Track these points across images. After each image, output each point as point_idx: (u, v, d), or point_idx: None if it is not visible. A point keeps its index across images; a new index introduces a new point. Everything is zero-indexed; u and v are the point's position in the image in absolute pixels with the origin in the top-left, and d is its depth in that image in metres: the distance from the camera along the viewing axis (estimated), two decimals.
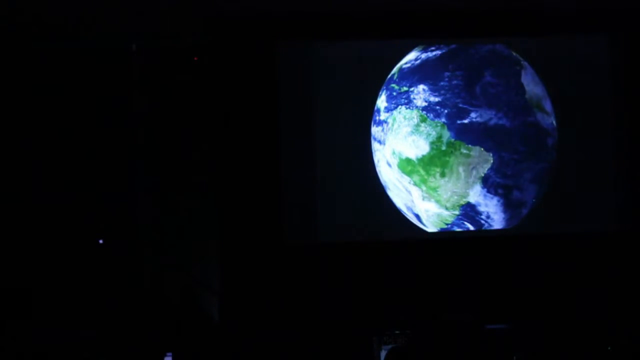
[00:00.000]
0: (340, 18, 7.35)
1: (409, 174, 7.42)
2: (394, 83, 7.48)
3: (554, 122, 7.52)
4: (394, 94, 7.47)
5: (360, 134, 7.43)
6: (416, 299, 7.23)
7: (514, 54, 7.53)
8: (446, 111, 7.40)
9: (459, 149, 7.38)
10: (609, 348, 6.32)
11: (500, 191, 7.43)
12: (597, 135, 7.56)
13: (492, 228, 7.47)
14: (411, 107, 7.43)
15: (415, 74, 7.47)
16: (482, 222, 7.45)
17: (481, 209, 7.43)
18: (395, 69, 7.48)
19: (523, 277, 7.36)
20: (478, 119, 7.39)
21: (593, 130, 7.55)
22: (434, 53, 7.50)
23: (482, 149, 7.39)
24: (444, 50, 7.49)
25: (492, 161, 7.39)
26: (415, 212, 7.46)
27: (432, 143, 7.39)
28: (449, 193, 7.41)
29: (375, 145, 7.45)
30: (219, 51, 7.39)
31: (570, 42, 7.55)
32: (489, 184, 7.41)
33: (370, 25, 7.39)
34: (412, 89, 7.44)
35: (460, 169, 7.39)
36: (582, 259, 7.41)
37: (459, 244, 7.44)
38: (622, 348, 6.28)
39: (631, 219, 7.53)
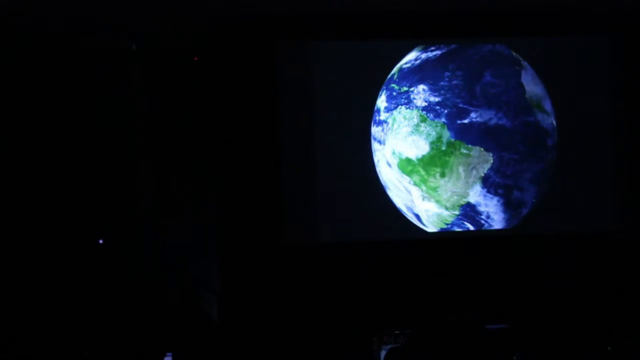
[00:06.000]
0: (340, 18, 7.35)
1: (409, 174, 7.42)
2: (394, 83, 7.48)
3: (554, 122, 7.52)
4: (394, 94, 7.47)
5: (360, 134, 7.43)
6: (416, 299, 7.23)
7: (514, 54, 7.54)
8: (446, 111, 7.40)
9: (459, 149, 7.38)
10: (609, 348, 6.32)
11: (500, 191, 7.43)
12: (597, 135, 7.56)
13: (492, 228, 7.47)
14: (411, 107, 7.43)
15: (415, 74, 7.47)
16: (482, 222, 7.45)
17: (481, 209, 7.43)
18: (395, 69, 7.48)
19: (523, 277, 7.36)
20: (478, 119, 7.39)
21: (593, 130, 7.55)
22: (434, 53, 7.50)
23: (482, 149, 7.39)
24: (444, 50, 7.49)
25: (492, 161, 7.39)
26: (415, 212, 7.46)
27: (432, 143, 7.39)
28: (449, 193, 7.41)
29: (375, 145, 7.45)
30: (219, 51, 7.39)
31: (570, 42, 7.55)
32: (489, 184, 7.41)
33: (370, 25, 7.39)
34: (412, 89, 7.44)
35: (460, 169, 7.39)
36: (582, 259, 7.41)
37: (459, 244, 7.44)
38: (622, 348, 6.28)
39: (631, 219, 7.53)
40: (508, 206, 7.46)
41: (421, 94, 7.42)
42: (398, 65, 7.49)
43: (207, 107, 7.59)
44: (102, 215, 7.62)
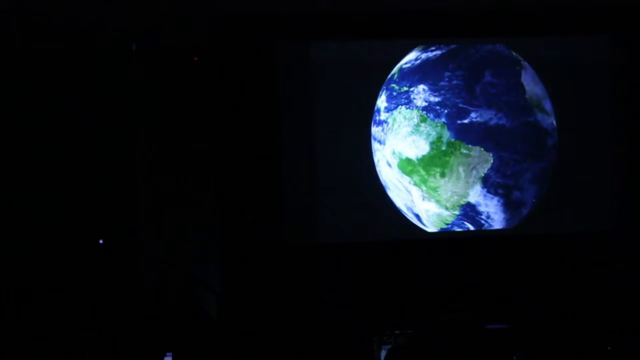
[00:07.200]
0: (340, 18, 7.35)
1: (409, 174, 7.42)
2: (394, 83, 7.48)
3: (554, 122, 7.52)
4: (394, 94, 7.47)
5: (360, 134, 7.43)
6: (416, 299, 7.23)
7: (514, 54, 7.54)
8: (446, 111, 7.40)
9: (459, 149, 7.38)
10: (609, 348, 6.32)
11: (500, 191, 7.43)
12: (597, 135, 7.56)
13: (492, 228, 7.47)
14: (411, 107, 7.43)
15: (415, 74, 7.47)
16: (482, 222, 7.45)
17: (481, 209, 7.43)
18: (395, 69, 7.48)
19: (523, 277, 7.36)
20: (478, 119, 7.39)
21: (593, 130, 7.55)
22: (434, 53, 7.50)
23: (482, 149, 7.39)
24: (444, 50, 7.49)
25: (492, 161, 7.39)
26: (415, 212, 7.46)
27: (432, 143, 7.39)
28: (449, 193, 7.41)
29: (375, 145, 7.45)
30: (219, 51, 7.39)
31: (570, 42, 7.55)
32: (489, 184, 7.41)
33: (370, 25, 7.39)
34: (412, 89, 7.44)
35: (460, 169, 7.39)
36: (582, 259, 7.41)
37: (459, 244, 7.44)
38: (622, 348, 6.28)
39: (631, 219, 7.53)
40: (508, 206, 7.46)
41: (421, 94, 7.42)
42: (398, 65, 7.49)
43: (207, 107, 7.58)
44: (102, 215, 7.62)
